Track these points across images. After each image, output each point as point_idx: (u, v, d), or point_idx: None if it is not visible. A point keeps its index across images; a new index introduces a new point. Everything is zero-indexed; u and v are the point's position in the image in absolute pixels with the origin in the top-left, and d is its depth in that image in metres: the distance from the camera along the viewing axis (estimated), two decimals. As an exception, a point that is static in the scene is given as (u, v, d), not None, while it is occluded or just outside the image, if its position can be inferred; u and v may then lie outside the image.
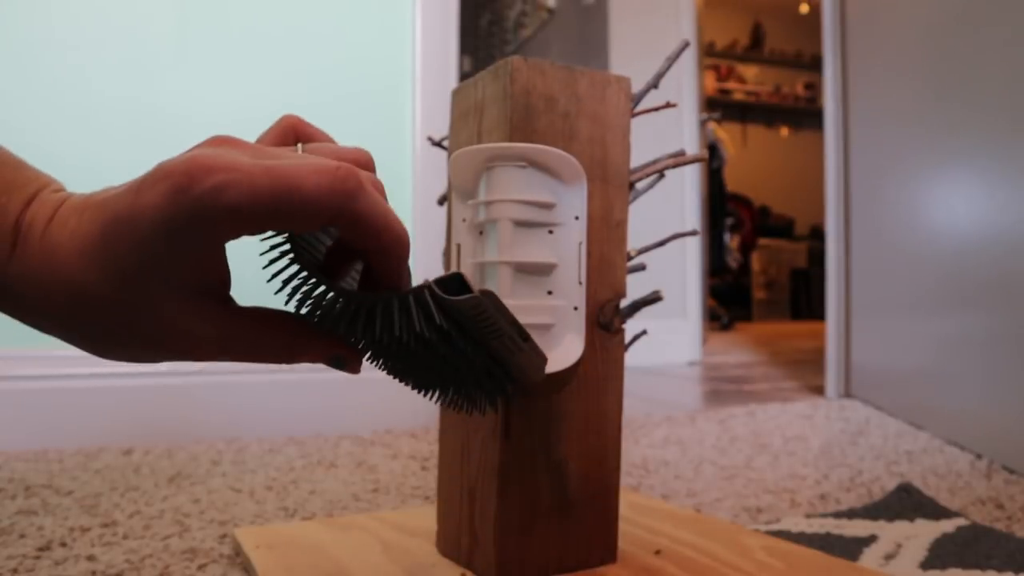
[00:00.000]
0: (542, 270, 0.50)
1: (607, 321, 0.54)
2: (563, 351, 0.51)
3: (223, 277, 0.33)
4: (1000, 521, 0.74)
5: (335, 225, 0.31)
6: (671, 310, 2.46)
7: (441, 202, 0.67)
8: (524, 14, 3.45)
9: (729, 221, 4.64)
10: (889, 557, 0.62)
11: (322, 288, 0.33)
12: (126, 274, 0.30)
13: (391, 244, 0.32)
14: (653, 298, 0.52)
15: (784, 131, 6.28)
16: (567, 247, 0.51)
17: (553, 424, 0.53)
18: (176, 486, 0.87)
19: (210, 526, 0.72)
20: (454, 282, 0.35)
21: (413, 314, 0.33)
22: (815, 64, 5.81)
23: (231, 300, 0.34)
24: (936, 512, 0.74)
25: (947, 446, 1.08)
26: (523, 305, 0.49)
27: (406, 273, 0.35)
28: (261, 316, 0.34)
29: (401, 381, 0.40)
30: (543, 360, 0.42)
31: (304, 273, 0.33)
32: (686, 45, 0.58)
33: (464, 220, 0.53)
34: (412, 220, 1.32)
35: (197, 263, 0.31)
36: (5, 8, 1.11)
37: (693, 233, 0.58)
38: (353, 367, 0.35)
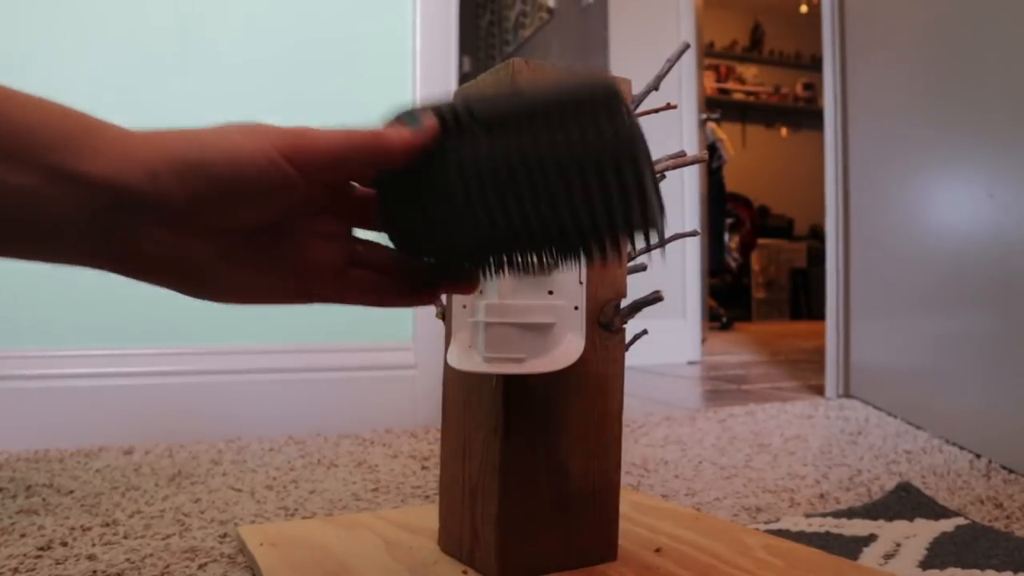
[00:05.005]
0: (543, 270, 0.50)
1: (607, 321, 0.54)
2: (563, 350, 0.51)
3: None
4: (999, 520, 0.74)
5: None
6: (671, 310, 2.46)
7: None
8: (524, 14, 3.45)
9: (729, 221, 4.64)
10: (888, 556, 0.62)
11: None
12: None
13: None
14: (654, 298, 0.52)
15: (784, 131, 6.28)
16: (568, 247, 0.51)
17: (554, 423, 0.53)
18: (176, 485, 0.87)
19: (211, 525, 0.72)
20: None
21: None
22: (815, 64, 5.81)
23: None
24: (935, 511, 0.74)
25: (946, 446, 1.08)
26: (524, 304, 0.49)
27: None
28: None
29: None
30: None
31: None
32: (687, 47, 0.58)
33: (465, 220, 0.53)
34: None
35: None
36: (7, 10, 1.11)
37: (694, 234, 0.59)
38: None
